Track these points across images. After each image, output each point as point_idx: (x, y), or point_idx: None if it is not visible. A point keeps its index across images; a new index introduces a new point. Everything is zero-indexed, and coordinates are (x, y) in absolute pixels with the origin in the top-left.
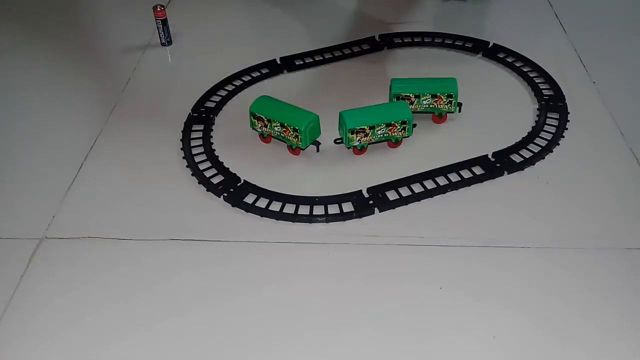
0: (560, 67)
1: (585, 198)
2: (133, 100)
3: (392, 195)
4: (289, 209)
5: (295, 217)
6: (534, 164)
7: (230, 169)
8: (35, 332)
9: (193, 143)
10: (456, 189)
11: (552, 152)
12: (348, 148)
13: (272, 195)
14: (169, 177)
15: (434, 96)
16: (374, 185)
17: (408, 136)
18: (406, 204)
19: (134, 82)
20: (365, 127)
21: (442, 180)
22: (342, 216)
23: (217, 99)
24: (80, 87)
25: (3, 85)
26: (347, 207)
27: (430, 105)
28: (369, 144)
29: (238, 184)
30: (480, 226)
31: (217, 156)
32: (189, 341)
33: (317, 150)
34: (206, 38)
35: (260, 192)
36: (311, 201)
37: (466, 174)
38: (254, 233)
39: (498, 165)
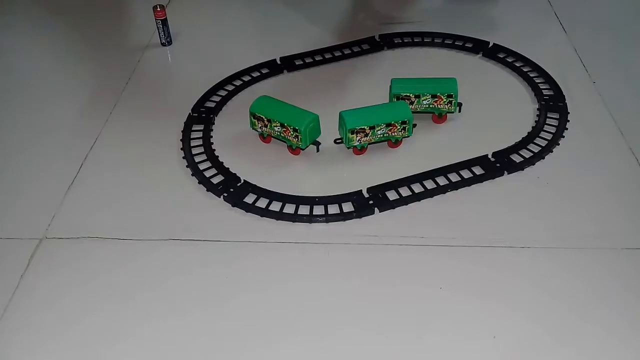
0: (560, 67)
1: (585, 198)
2: (133, 100)
3: (392, 195)
4: (289, 209)
5: (295, 217)
6: (534, 164)
7: (230, 169)
8: (35, 332)
9: (193, 143)
10: (456, 189)
11: (552, 152)
12: (348, 148)
13: (272, 195)
14: (169, 177)
15: (434, 96)
16: (374, 185)
17: (408, 136)
18: (406, 204)
19: (134, 82)
20: (365, 127)
21: (442, 180)
22: (342, 216)
23: (217, 99)
24: (79, 87)
25: (3, 86)
26: (347, 207)
27: (430, 105)
28: (369, 144)
29: (238, 184)
30: (481, 226)
31: (217, 156)
32: (188, 341)
33: (317, 150)
34: (206, 38)
35: (260, 192)
36: (311, 201)
37: (466, 174)
38: (254, 233)
39: (498, 165)
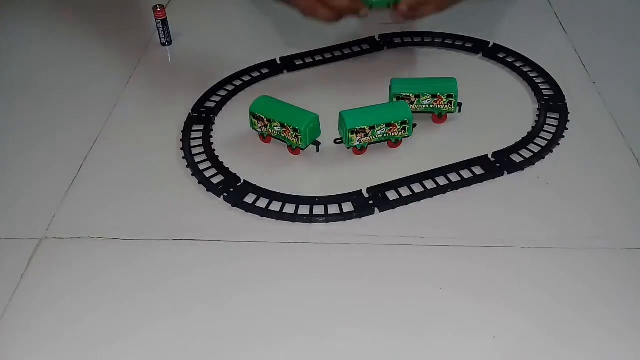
0: (560, 67)
1: (585, 198)
2: (133, 100)
3: (392, 195)
4: (289, 209)
5: (295, 217)
6: (534, 164)
7: (230, 169)
8: (36, 333)
9: (193, 143)
10: (456, 189)
11: (552, 152)
12: (348, 148)
13: (272, 195)
14: (168, 177)
15: (434, 96)
16: (374, 185)
17: (408, 136)
18: (406, 204)
19: (134, 82)
20: (365, 127)
21: (442, 180)
22: (342, 216)
23: (217, 99)
24: (79, 86)
25: (2, 85)
26: (347, 207)
27: (430, 105)
28: (369, 144)
29: (238, 184)
30: (481, 226)
31: (217, 156)
32: (188, 341)
33: (317, 150)
34: (206, 38)
35: (260, 192)
36: (311, 201)
37: (466, 174)
38: (254, 233)
39: (498, 165)
